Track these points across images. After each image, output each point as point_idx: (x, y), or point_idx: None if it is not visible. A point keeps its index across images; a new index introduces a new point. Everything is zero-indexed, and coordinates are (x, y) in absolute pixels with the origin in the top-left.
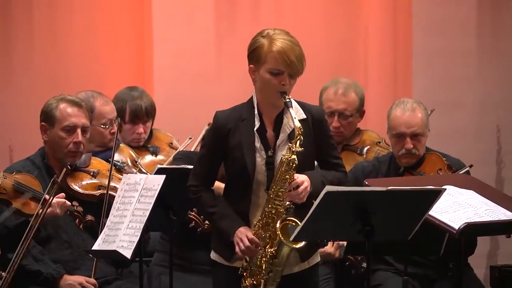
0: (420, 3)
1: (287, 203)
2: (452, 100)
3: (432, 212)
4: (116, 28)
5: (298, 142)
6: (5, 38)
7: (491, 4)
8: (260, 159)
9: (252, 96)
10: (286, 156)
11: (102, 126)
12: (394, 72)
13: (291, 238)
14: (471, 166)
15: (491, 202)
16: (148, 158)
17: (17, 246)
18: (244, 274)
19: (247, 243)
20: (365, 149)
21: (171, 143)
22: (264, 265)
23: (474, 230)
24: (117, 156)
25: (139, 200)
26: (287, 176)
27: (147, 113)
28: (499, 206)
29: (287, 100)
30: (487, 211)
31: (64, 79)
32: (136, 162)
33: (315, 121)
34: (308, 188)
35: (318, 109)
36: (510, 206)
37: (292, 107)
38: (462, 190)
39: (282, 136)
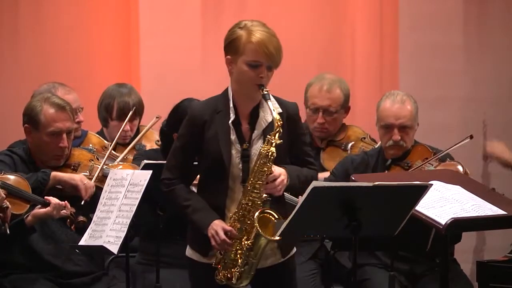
0: None
1: (264, 195)
2: (438, 95)
3: (418, 207)
4: (103, 23)
5: (277, 134)
6: None
7: None
8: (235, 151)
9: (227, 88)
10: (264, 148)
11: None
12: (380, 67)
13: (277, 234)
14: (471, 137)
15: (478, 198)
16: None
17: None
18: (218, 267)
19: (223, 236)
20: (350, 144)
21: (158, 141)
22: (239, 257)
23: (460, 225)
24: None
25: (126, 195)
26: (265, 168)
27: (134, 111)
28: (485, 202)
29: (265, 92)
30: (474, 206)
31: (50, 75)
32: (105, 148)
33: (290, 117)
34: (285, 181)
35: (293, 105)
36: (496, 201)
37: (270, 99)
38: (448, 185)
39: (258, 130)
